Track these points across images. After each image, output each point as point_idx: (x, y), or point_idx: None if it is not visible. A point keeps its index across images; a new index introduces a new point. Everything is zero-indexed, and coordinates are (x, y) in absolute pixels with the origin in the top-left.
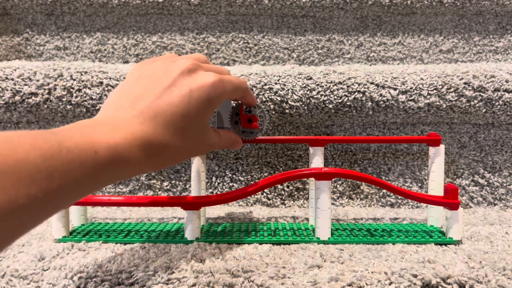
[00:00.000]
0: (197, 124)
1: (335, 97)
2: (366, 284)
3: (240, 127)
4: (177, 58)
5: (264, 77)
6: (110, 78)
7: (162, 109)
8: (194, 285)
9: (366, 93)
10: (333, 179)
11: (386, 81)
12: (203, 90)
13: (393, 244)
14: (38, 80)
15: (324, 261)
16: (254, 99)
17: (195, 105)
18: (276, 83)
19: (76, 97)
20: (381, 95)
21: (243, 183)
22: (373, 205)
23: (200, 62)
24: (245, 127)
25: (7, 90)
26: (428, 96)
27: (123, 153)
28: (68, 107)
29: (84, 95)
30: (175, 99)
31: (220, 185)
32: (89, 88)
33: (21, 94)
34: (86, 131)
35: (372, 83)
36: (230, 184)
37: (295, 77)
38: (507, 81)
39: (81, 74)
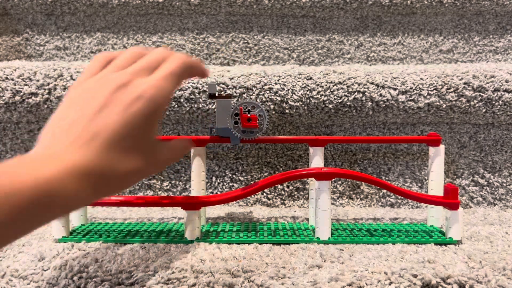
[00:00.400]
0: (140, 142)
1: (335, 97)
2: (366, 284)
3: (240, 127)
4: (108, 73)
5: (264, 77)
6: None
7: (98, 131)
8: (194, 285)
9: (366, 93)
10: (333, 179)
11: (386, 81)
12: (138, 105)
13: (393, 244)
14: (38, 80)
15: (324, 261)
16: (204, 70)
17: (132, 122)
18: (276, 83)
19: None
20: (381, 95)
21: (243, 183)
22: (373, 205)
23: (134, 58)
24: (245, 126)
25: (7, 90)
26: (428, 96)
27: (57, 188)
28: None
29: None
30: (110, 119)
31: (220, 185)
32: None
33: (21, 94)
34: (14, 170)
35: (372, 83)
36: (230, 184)
37: (295, 77)
38: (507, 81)
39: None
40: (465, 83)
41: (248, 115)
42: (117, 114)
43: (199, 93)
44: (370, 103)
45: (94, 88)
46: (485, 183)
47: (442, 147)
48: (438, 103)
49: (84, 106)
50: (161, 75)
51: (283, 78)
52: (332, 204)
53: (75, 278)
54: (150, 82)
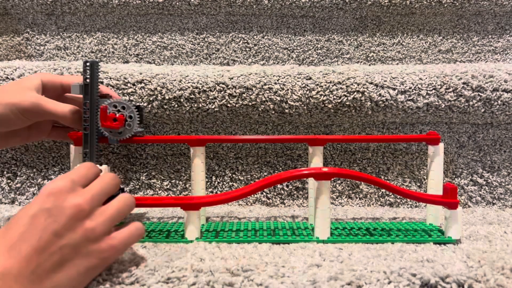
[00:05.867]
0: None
1: (335, 97)
2: (365, 283)
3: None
4: (75, 206)
5: (263, 77)
6: (110, 78)
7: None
8: (194, 284)
9: (365, 93)
10: (332, 179)
11: (385, 81)
12: (97, 271)
13: (392, 243)
14: None
15: (324, 260)
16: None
17: (83, 282)
18: (275, 83)
19: None
20: (380, 95)
21: (243, 182)
22: (372, 204)
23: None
24: (103, 126)
25: None
26: (427, 96)
27: None
28: None
29: None
30: (65, 282)
31: (220, 184)
32: None
33: None
34: None
35: (371, 83)
36: (230, 183)
37: (295, 77)
38: (505, 81)
39: (82, 74)
40: (464, 83)
41: (117, 115)
42: (74, 279)
43: (199, 92)
44: (369, 103)
45: (61, 226)
46: (484, 182)
47: (441, 145)
48: (437, 103)
49: (46, 242)
50: (126, 239)
51: (282, 78)
52: (331, 203)
53: None
54: (117, 245)
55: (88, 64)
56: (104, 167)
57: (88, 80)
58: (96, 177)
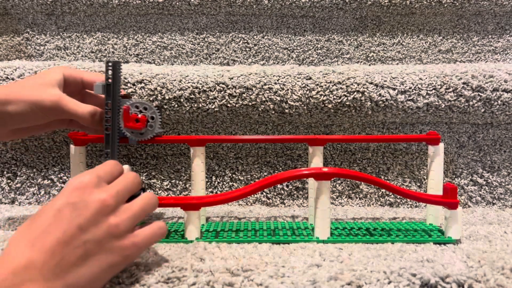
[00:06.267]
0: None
1: (335, 97)
2: (365, 283)
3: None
4: (99, 202)
5: (263, 77)
6: None
7: (73, 283)
8: (194, 284)
9: (365, 93)
10: (332, 179)
11: (385, 81)
12: (119, 268)
13: (392, 243)
14: None
15: (324, 260)
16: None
17: (105, 278)
18: (275, 83)
19: None
20: (380, 95)
21: (243, 182)
22: (372, 204)
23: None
24: (126, 127)
25: None
26: (427, 96)
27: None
28: None
29: None
30: (88, 277)
31: (220, 184)
32: None
33: None
34: None
35: (371, 83)
36: (230, 183)
37: (295, 77)
38: (505, 81)
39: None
40: (464, 83)
41: (139, 115)
42: (96, 275)
43: (199, 92)
44: (369, 103)
45: (86, 220)
46: (484, 182)
47: (441, 145)
48: (437, 103)
49: (70, 236)
50: (148, 237)
51: (282, 78)
52: (332, 203)
53: None
54: (139, 243)
55: (110, 64)
56: (126, 167)
57: (110, 80)
58: (120, 175)
